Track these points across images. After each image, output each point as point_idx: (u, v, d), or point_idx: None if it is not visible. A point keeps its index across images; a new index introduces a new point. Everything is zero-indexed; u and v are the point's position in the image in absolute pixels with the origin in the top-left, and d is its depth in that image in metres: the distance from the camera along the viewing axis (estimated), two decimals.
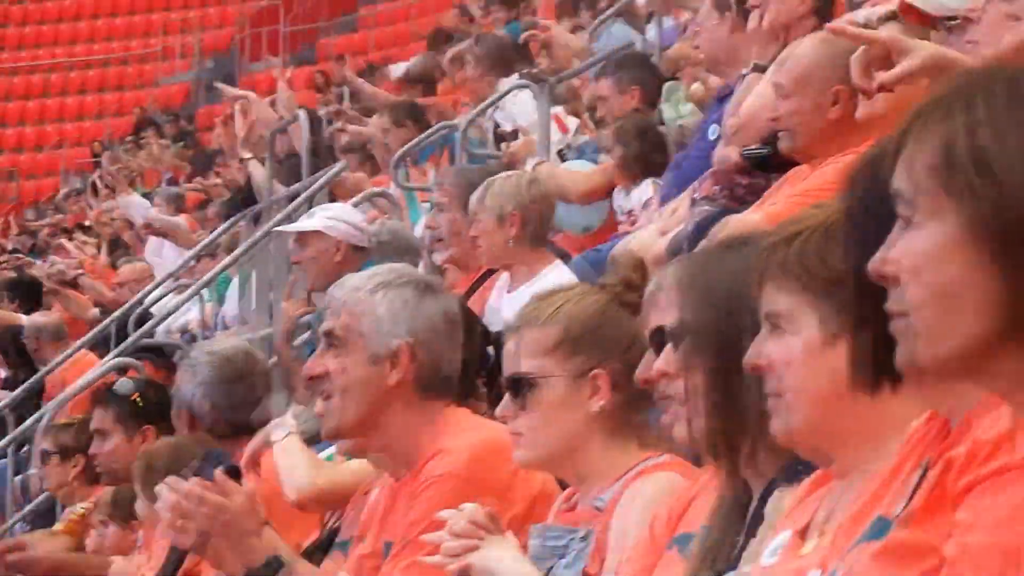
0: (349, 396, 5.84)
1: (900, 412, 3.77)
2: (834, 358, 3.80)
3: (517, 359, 5.27)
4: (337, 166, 16.18)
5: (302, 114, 17.03)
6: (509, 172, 10.17)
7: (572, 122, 14.11)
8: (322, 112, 19.27)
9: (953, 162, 2.91)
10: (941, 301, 2.94)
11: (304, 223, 10.90)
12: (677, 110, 12.65)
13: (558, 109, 14.10)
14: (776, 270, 3.93)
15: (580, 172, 11.36)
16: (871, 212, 3.20)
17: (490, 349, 6.54)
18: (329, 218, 10.79)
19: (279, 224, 14.41)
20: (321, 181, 15.50)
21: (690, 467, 4.89)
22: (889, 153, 3.10)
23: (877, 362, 3.45)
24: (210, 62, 35.39)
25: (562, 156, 12.62)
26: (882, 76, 5.14)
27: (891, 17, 6.97)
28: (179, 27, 42.61)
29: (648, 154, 10.96)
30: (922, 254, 2.95)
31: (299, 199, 15.27)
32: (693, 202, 8.14)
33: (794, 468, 4.11)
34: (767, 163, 7.41)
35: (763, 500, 4.20)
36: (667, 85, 13.06)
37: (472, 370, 6.23)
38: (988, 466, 3.09)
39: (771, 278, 3.93)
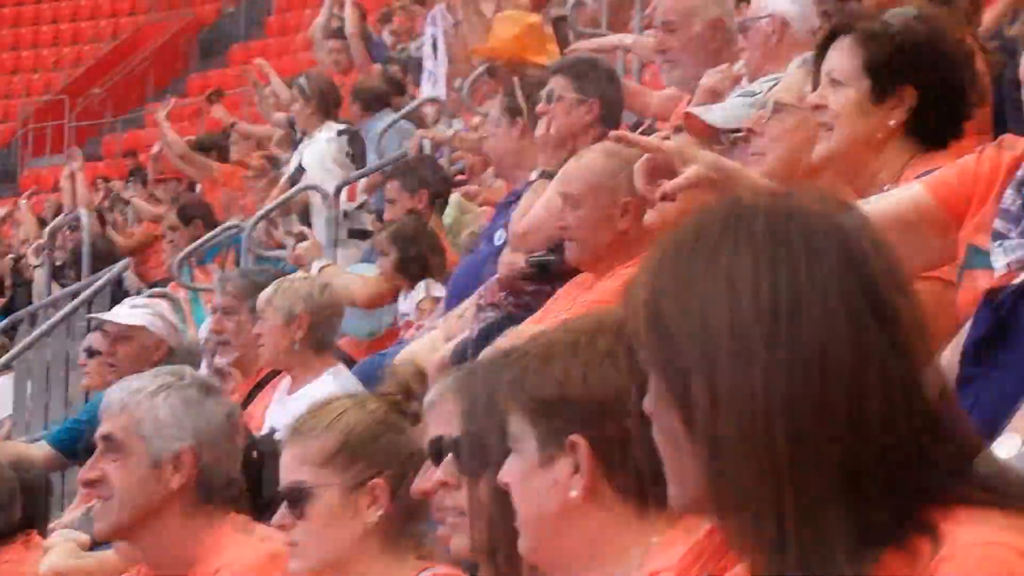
0: (127, 500, 5.77)
1: (635, 530, 3.86)
2: (551, 478, 3.87)
3: (294, 468, 5.26)
4: (119, 265, 16.08)
5: (83, 212, 16.96)
6: (302, 275, 10.19)
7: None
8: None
9: (648, 330, 2.98)
10: (668, 452, 3.00)
11: (127, 316, 10.65)
12: (461, 217, 12.77)
13: None
14: (506, 390, 3.98)
15: (365, 276, 11.37)
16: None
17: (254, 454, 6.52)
18: (151, 315, 10.61)
19: (55, 326, 14.32)
20: (102, 280, 15.37)
21: None
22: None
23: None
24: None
25: None
26: (666, 185, 5.19)
27: (679, 128, 7.09)
28: None
29: (423, 256, 11.00)
30: (651, 400, 3.00)
31: (79, 299, 15.07)
32: (479, 308, 8.16)
33: None
34: (552, 271, 7.45)
35: None
36: (454, 196, 13.22)
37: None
38: None
39: (504, 398, 3.98)
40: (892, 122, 5.64)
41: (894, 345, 2.90)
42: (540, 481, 3.88)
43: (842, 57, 5.73)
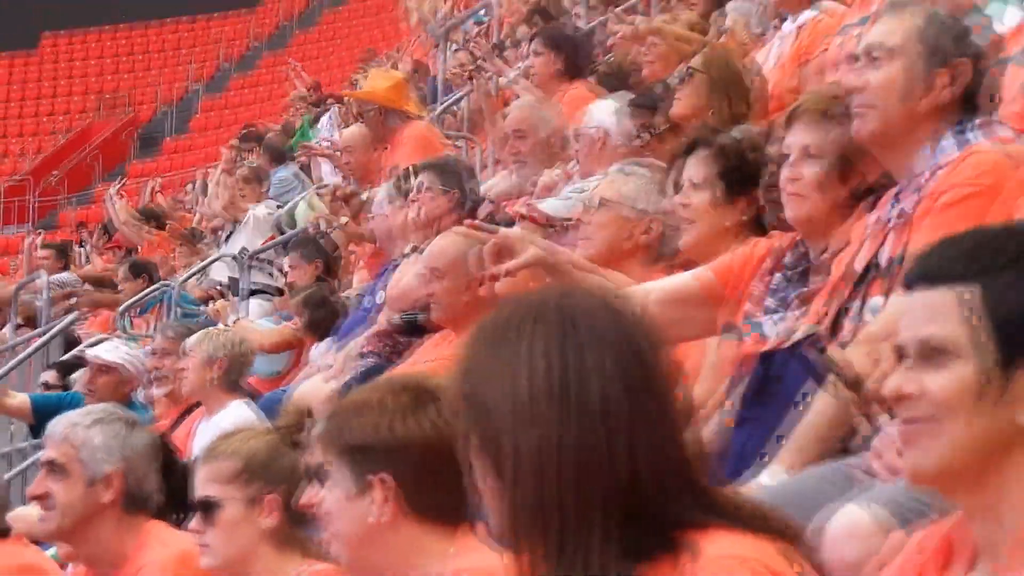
0: (67, 511, 5.78)
1: (430, 543, 4.01)
2: (363, 507, 4.03)
3: (205, 484, 5.29)
4: (69, 317, 15.93)
5: (43, 274, 16.85)
6: (224, 327, 10.15)
7: None
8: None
9: (463, 399, 3.01)
10: (487, 495, 3.01)
11: (109, 354, 10.50)
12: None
13: None
14: (325, 437, 4.15)
15: (268, 329, 11.30)
16: None
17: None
18: (127, 354, 10.49)
19: (13, 368, 14.19)
20: (56, 329, 15.22)
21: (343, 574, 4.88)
22: None
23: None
24: None
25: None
26: (507, 264, 5.25)
27: (522, 216, 7.14)
28: None
29: (329, 319, 10.94)
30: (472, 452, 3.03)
31: (35, 345, 14.92)
32: (360, 354, 8.18)
33: None
34: (419, 327, 7.47)
35: None
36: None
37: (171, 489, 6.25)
38: None
39: (322, 444, 4.15)
40: (745, 217, 5.69)
41: (659, 411, 2.95)
42: (355, 509, 4.05)
43: (700, 165, 5.75)
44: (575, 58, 11.02)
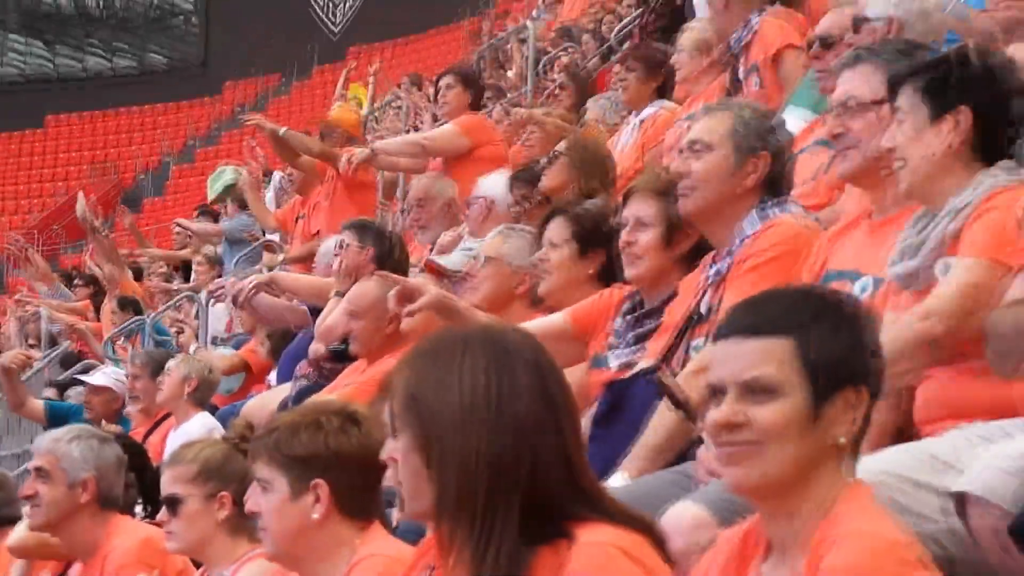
0: (51, 508, 5.83)
1: (347, 535, 4.01)
2: (300, 508, 4.03)
3: (170, 484, 5.26)
4: (62, 347, 15.70)
5: (44, 310, 16.65)
6: (198, 355, 10.02)
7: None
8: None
9: (405, 403, 2.98)
10: (410, 480, 2.99)
11: (102, 379, 10.36)
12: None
13: None
14: (261, 448, 4.13)
15: (223, 356, 11.11)
16: None
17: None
18: (115, 377, 10.36)
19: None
20: (53, 355, 15.00)
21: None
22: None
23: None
24: None
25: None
26: (410, 306, 5.25)
27: (422, 269, 7.15)
28: None
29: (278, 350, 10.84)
30: (401, 452, 2.99)
31: (37, 366, 14.49)
32: (295, 378, 8.14)
33: None
34: (343, 356, 7.43)
35: None
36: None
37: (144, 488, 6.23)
38: None
39: (258, 455, 4.14)
40: (592, 271, 5.66)
41: (562, 424, 2.95)
42: (290, 509, 4.04)
43: (558, 229, 5.74)
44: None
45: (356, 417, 4.04)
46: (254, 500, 4.11)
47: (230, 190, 13.48)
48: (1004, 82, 3.92)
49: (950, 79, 3.88)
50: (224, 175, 13.55)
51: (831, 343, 2.78)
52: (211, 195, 14.71)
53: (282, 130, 11.35)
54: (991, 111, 3.86)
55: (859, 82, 4.38)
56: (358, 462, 3.96)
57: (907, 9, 5.46)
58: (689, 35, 8.44)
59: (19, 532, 6.80)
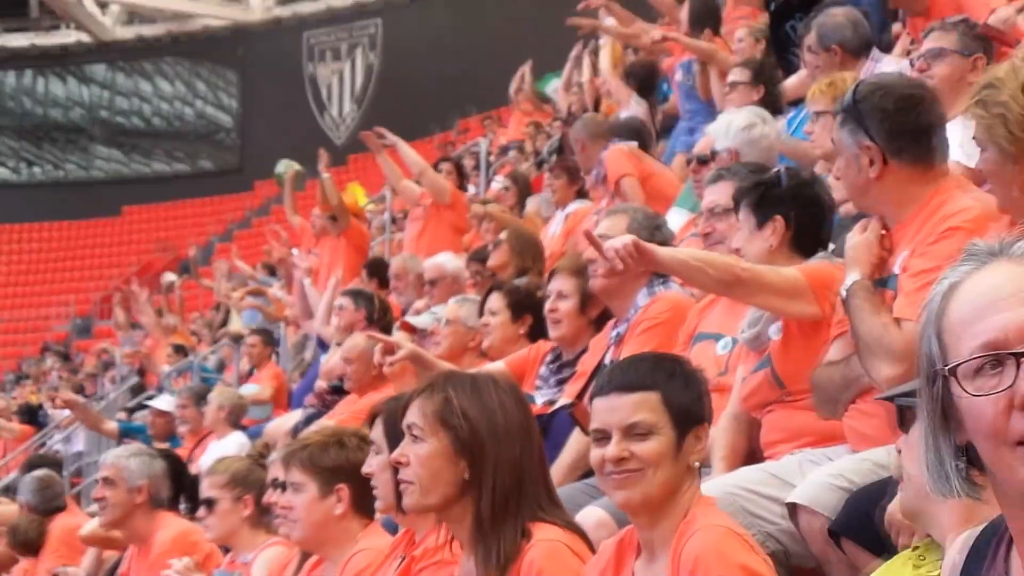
0: (116, 508, 5.78)
1: (355, 529, 4.00)
2: (326, 506, 4.01)
3: (207, 488, 5.30)
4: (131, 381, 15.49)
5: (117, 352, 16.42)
6: (231, 390, 9.93)
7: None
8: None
9: (449, 410, 2.99)
10: (428, 478, 3.00)
11: (162, 403, 10.09)
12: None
13: None
14: (296, 459, 4.07)
15: (253, 391, 10.87)
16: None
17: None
18: (173, 404, 9.90)
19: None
20: (121, 388, 14.81)
21: (291, 545, 4.78)
22: (404, 402, 3.15)
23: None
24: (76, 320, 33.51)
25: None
26: (391, 358, 5.23)
27: (399, 327, 7.13)
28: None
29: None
30: (423, 455, 2.99)
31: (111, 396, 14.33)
32: (304, 407, 8.11)
33: None
34: (340, 391, 7.38)
35: None
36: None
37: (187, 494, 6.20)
38: (433, 559, 3.25)
39: (293, 463, 4.07)
40: (522, 331, 5.66)
41: (533, 443, 3.03)
42: (318, 506, 4.01)
43: (496, 300, 5.74)
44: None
45: (363, 437, 4.02)
46: (288, 498, 4.08)
47: (281, 177, 12.91)
48: (811, 196, 3.94)
49: (767, 196, 3.90)
50: (278, 166, 13.02)
51: (684, 394, 2.83)
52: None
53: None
54: (802, 218, 3.88)
55: (720, 194, 4.43)
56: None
57: (740, 140, 5.53)
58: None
59: (91, 525, 6.75)
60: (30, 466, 8.77)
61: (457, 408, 2.99)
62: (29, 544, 7.99)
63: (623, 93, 9.66)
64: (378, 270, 9.84)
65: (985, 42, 4.73)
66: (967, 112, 2.71)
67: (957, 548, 1.63)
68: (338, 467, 4.00)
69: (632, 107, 9.39)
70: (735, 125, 5.60)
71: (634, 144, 7.68)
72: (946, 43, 4.61)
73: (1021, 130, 2.65)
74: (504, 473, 2.95)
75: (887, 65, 5.69)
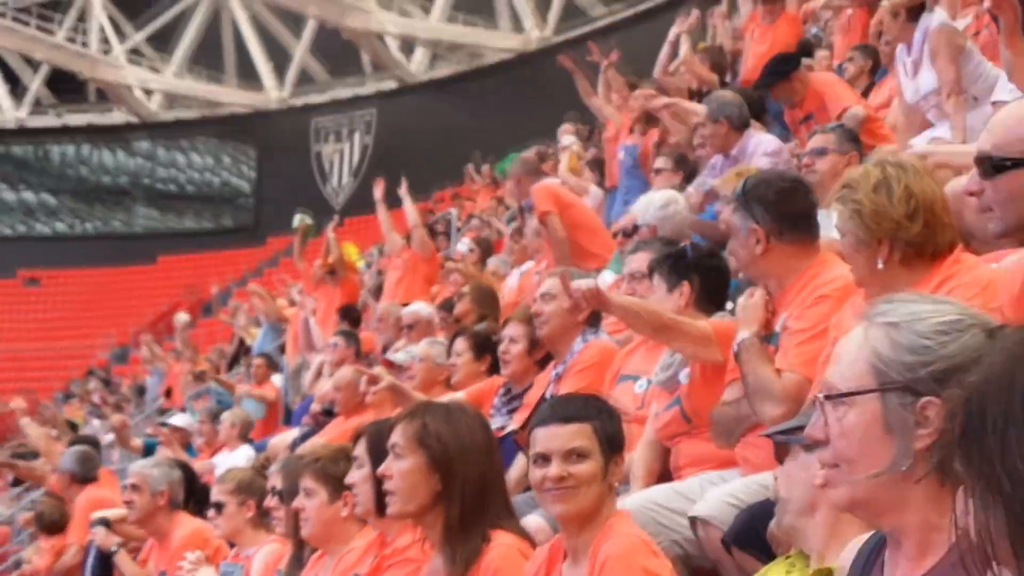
0: (143, 510, 5.69)
1: (354, 530, 3.82)
2: (336, 508, 3.86)
3: (217, 494, 5.22)
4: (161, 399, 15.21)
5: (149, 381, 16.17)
6: (236, 408, 9.83)
7: None
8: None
9: (426, 433, 2.96)
10: (407, 490, 2.97)
11: (181, 422, 9.87)
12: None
13: None
14: (310, 469, 3.96)
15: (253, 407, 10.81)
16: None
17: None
18: (190, 422, 9.87)
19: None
20: (152, 408, 14.52)
21: (286, 543, 4.69)
22: (389, 425, 3.14)
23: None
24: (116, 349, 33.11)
25: None
26: (374, 388, 5.20)
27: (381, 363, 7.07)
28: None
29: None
30: (404, 470, 2.96)
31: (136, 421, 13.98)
32: (301, 425, 7.97)
33: None
34: (331, 414, 7.29)
35: None
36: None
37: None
38: (402, 555, 3.20)
39: (306, 472, 3.95)
40: (483, 368, 5.63)
41: (494, 461, 3.01)
42: (327, 509, 3.88)
43: (461, 343, 5.71)
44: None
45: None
46: (300, 501, 3.95)
47: (299, 227, 12.81)
48: (713, 266, 3.97)
49: (677, 265, 3.93)
50: (295, 219, 12.89)
51: (611, 426, 2.82)
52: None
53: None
54: (705, 284, 3.91)
55: (639, 262, 4.45)
56: None
57: (656, 216, 5.56)
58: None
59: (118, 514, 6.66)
60: (72, 444, 8.68)
61: (432, 431, 2.96)
62: (53, 525, 7.89)
63: (582, 187, 9.34)
64: (350, 313, 9.88)
65: (858, 143, 4.79)
66: (831, 205, 2.73)
67: (848, 550, 1.63)
68: (345, 477, 3.94)
69: (592, 195, 9.19)
70: (654, 204, 5.62)
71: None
72: (827, 143, 4.66)
73: (872, 223, 2.67)
74: (471, 486, 2.92)
75: (756, 138, 5.79)
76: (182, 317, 17.87)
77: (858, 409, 1.43)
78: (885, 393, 1.41)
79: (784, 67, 6.46)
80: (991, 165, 2.26)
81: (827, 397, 1.46)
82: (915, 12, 5.22)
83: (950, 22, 5.25)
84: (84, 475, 7.61)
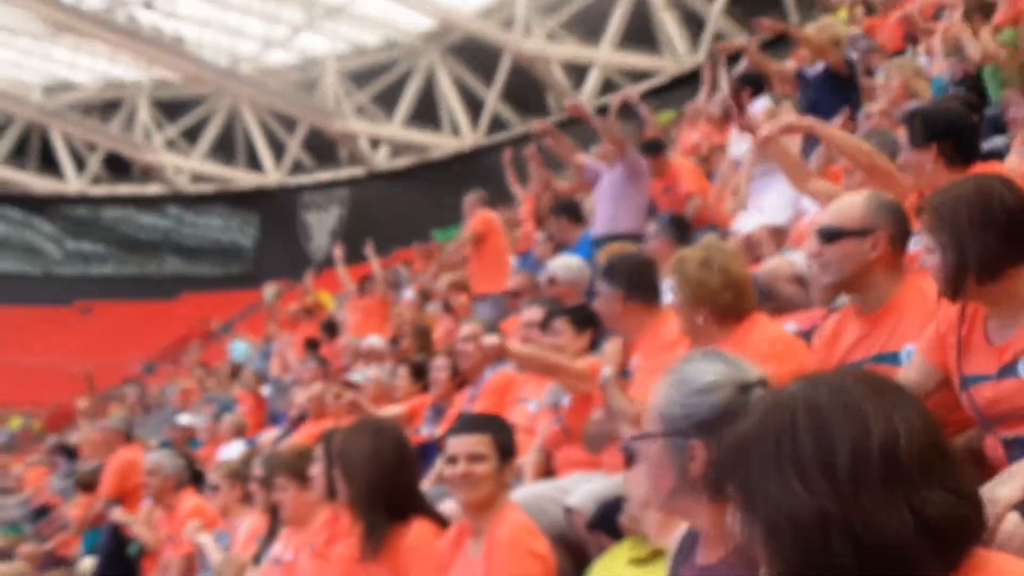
0: (158, 489, 5.48)
1: (320, 509, 3.57)
2: (304, 499, 3.66)
3: (214, 478, 5.02)
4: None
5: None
6: (233, 412, 9.52)
7: None
8: None
9: (344, 448, 2.85)
10: (340, 484, 2.84)
11: (183, 420, 9.52)
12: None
13: None
14: (284, 466, 3.75)
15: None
16: None
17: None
18: (193, 422, 9.51)
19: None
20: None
21: (263, 517, 4.45)
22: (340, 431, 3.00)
23: None
24: (146, 364, 32.02)
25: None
26: (336, 401, 5.05)
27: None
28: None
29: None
30: (318, 472, 2.89)
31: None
32: (282, 427, 7.78)
33: None
34: (304, 419, 7.11)
35: None
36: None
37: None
38: (343, 528, 3.08)
39: (282, 470, 3.75)
40: (420, 387, 5.47)
41: (406, 467, 2.89)
42: (299, 498, 3.70)
43: (402, 370, 5.53)
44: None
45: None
46: (278, 496, 3.78)
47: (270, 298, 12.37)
48: (589, 315, 3.92)
49: (581, 315, 3.90)
50: (266, 293, 12.50)
51: (506, 437, 2.77)
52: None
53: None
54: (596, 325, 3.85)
55: (535, 315, 4.34)
56: None
57: (562, 269, 5.51)
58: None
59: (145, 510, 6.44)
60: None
61: (348, 447, 2.91)
62: (90, 485, 7.56)
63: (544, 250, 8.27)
64: (314, 344, 9.71)
65: (684, 230, 4.80)
66: (668, 276, 2.77)
67: (675, 536, 1.66)
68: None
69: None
70: (570, 267, 5.49)
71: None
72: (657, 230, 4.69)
73: (695, 291, 2.69)
74: (375, 487, 2.84)
75: None
76: (195, 349, 17.30)
77: (652, 445, 1.52)
78: (666, 437, 1.49)
79: (655, 149, 6.45)
80: (828, 235, 2.27)
81: (633, 438, 1.57)
82: None
83: None
84: (127, 435, 7.36)
